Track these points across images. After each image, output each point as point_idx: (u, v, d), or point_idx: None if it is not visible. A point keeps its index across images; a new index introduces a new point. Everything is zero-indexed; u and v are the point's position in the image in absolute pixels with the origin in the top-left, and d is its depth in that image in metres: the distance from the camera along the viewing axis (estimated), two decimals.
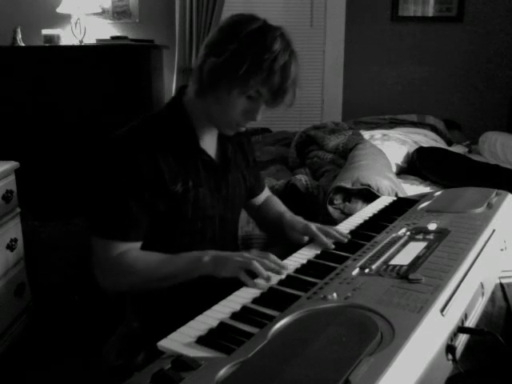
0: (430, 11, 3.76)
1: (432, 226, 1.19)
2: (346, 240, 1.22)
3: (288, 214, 1.39)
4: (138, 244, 1.17)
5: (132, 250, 1.14)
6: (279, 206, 1.49)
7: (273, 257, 1.06)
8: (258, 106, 1.15)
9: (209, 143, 1.26)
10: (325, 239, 1.21)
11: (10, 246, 2.07)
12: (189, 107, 1.21)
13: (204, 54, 1.14)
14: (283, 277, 1.02)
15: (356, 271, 0.97)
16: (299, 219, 1.35)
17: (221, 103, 1.14)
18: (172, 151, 1.17)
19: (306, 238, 1.28)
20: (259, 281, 1.00)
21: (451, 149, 2.78)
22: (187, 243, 1.21)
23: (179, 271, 1.10)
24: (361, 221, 1.39)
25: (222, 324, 0.84)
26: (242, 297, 0.95)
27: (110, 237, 1.13)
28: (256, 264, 1.01)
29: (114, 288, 1.19)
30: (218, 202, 1.26)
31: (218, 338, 0.78)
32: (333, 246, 1.19)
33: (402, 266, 0.96)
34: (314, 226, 1.26)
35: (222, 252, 1.10)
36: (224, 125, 1.21)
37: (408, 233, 1.18)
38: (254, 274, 1.02)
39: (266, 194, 1.52)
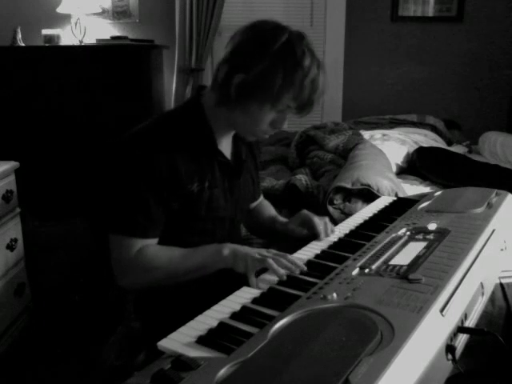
0: (430, 11, 3.76)
1: (432, 226, 1.19)
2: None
3: (280, 219, 1.44)
4: (156, 241, 1.17)
5: (151, 245, 1.15)
6: (270, 209, 1.52)
7: (290, 257, 1.07)
8: (285, 116, 1.17)
9: (225, 145, 1.27)
10: (321, 227, 1.28)
11: (10, 246, 2.07)
12: (207, 109, 1.21)
13: (230, 66, 1.13)
14: (284, 276, 1.02)
15: (356, 271, 0.97)
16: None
17: (250, 116, 1.15)
18: (189, 151, 1.17)
19: (305, 231, 1.31)
20: (265, 277, 1.01)
21: (451, 149, 2.77)
22: (197, 242, 1.21)
23: (201, 264, 1.12)
24: (361, 221, 1.39)
25: (221, 324, 0.84)
26: (242, 297, 0.95)
27: (130, 234, 1.13)
28: (271, 261, 1.03)
29: (135, 285, 1.18)
30: (230, 204, 1.26)
31: (218, 338, 0.78)
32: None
33: (401, 266, 0.96)
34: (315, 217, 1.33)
35: (240, 246, 1.11)
36: (249, 133, 1.23)
37: (408, 233, 1.18)
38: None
39: (260, 198, 1.53)
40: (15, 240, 2.12)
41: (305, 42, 1.13)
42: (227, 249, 1.10)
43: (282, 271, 1.02)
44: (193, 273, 1.12)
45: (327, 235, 1.28)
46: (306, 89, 1.10)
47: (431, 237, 1.13)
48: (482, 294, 1.00)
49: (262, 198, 1.54)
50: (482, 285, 0.99)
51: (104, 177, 1.22)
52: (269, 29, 1.13)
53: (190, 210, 1.19)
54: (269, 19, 1.16)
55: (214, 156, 1.22)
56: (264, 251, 1.08)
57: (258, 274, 1.05)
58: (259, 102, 1.12)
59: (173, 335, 0.80)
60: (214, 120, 1.21)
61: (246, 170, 1.34)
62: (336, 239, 1.25)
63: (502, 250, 1.22)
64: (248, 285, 1.01)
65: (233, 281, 1.03)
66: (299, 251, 1.18)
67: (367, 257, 1.04)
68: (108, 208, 1.18)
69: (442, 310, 0.80)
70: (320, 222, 1.29)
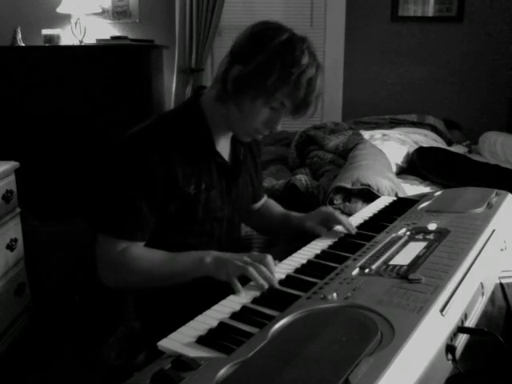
0: (430, 11, 3.76)
1: (432, 226, 1.19)
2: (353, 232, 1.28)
3: (295, 214, 1.43)
4: (142, 244, 1.17)
5: (135, 246, 1.14)
6: (279, 207, 1.52)
7: (270, 261, 1.03)
8: (279, 116, 1.16)
9: (223, 145, 1.26)
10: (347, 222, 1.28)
11: (10, 246, 2.07)
12: (205, 109, 1.21)
13: (229, 60, 1.15)
14: (283, 277, 1.02)
15: (356, 271, 0.97)
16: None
17: (243, 111, 1.15)
18: (187, 152, 1.17)
19: (325, 230, 1.30)
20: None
21: (451, 149, 2.78)
22: (194, 243, 1.21)
23: (182, 270, 1.10)
24: (361, 221, 1.39)
25: (221, 324, 0.84)
26: (242, 297, 0.95)
27: (118, 236, 1.13)
28: (252, 270, 1.00)
29: (116, 284, 1.18)
30: (227, 205, 1.26)
31: (218, 338, 0.78)
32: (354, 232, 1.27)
33: (402, 265, 0.96)
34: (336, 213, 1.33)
35: (223, 254, 1.09)
36: (242, 131, 1.21)
37: (408, 233, 1.18)
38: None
39: (264, 198, 1.53)
40: (15, 240, 2.12)
41: (306, 45, 1.14)
42: (209, 257, 1.07)
43: (262, 281, 0.98)
44: (174, 278, 1.11)
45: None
46: (301, 87, 1.10)
47: (431, 237, 1.13)
48: (482, 293, 1.00)
49: (266, 197, 1.54)
50: (482, 285, 0.99)
51: (100, 178, 1.21)
52: (270, 27, 1.14)
53: (187, 212, 1.18)
54: (272, 20, 1.17)
55: (211, 157, 1.22)
56: (245, 257, 1.05)
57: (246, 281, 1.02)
58: (252, 96, 1.12)
59: (173, 335, 0.80)
60: (212, 120, 1.21)
61: (245, 171, 1.34)
62: (336, 239, 1.25)
63: (502, 250, 1.22)
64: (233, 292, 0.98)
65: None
66: (299, 251, 1.18)
67: (367, 257, 1.04)
68: (99, 208, 1.17)
69: (442, 310, 0.80)
70: (344, 218, 1.30)
